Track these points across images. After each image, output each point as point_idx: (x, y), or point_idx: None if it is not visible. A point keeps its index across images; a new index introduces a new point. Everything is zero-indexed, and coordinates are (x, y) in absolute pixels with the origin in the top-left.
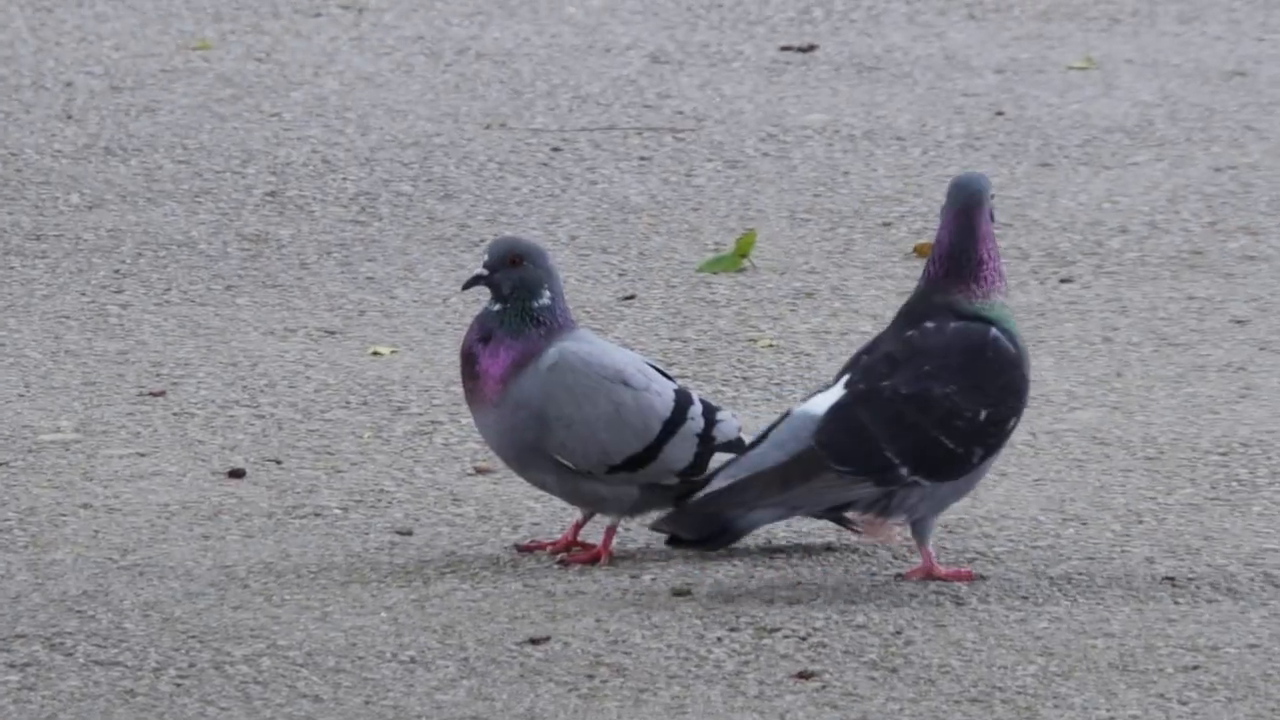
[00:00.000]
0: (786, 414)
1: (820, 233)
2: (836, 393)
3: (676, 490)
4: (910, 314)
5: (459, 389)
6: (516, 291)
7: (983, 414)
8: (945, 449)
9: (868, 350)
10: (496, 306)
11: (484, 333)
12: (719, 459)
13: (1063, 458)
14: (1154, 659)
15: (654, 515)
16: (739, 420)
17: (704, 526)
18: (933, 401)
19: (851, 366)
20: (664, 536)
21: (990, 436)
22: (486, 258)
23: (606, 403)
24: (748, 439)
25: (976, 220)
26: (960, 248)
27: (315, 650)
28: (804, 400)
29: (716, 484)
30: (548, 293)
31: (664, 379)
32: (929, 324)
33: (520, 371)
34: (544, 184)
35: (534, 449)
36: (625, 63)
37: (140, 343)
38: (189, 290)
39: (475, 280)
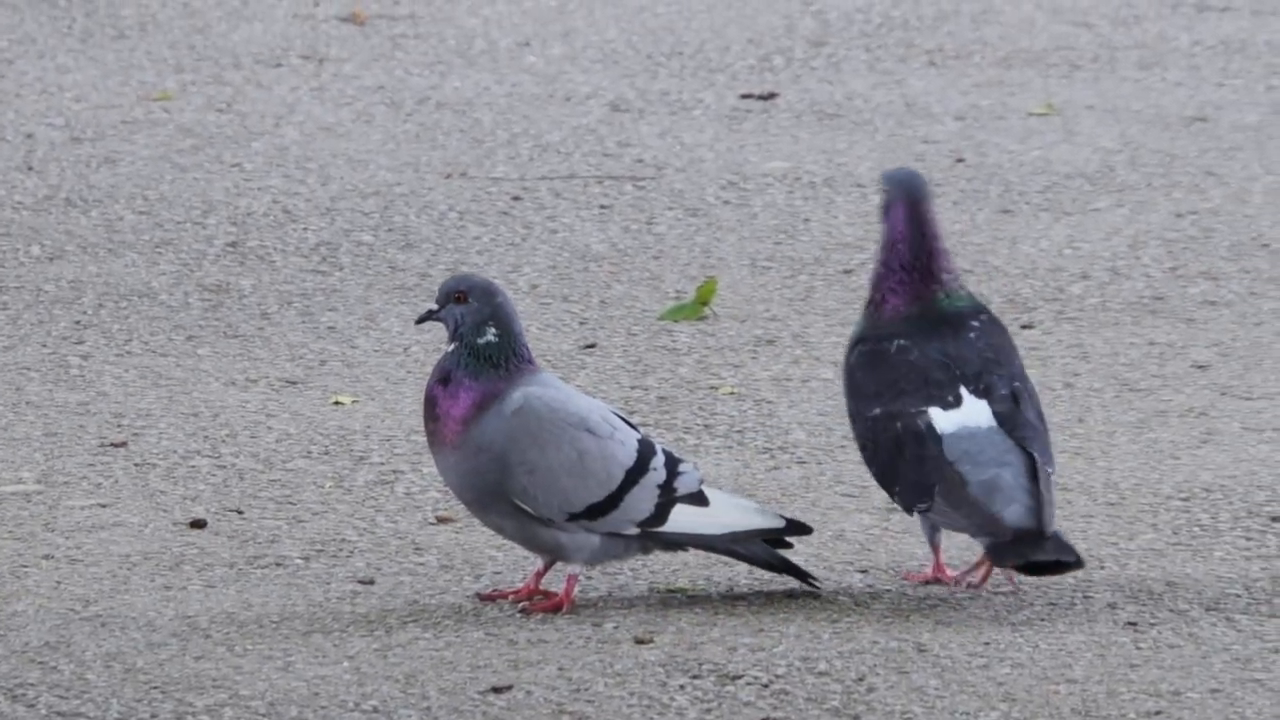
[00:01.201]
0: (927, 435)
1: (781, 280)
2: (980, 404)
3: (637, 540)
4: (936, 317)
5: (420, 438)
6: (460, 328)
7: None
8: None
9: (948, 361)
10: (450, 346)
11: (443, 374)
12: (679, 511)
13: None
14: (1116, 704)
15: (614, 564)
16: (701, 473)
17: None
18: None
19: (951, 378)
20: (1012, 564)
21: None
22: (437, 294)
23: (570, 449)
24: (708, 491)
25: (930, 210)
26: (929, 239)
27: (278, 700)
28: (938, 418)
29: (1048, 508)
30: (492, 330)
31: (628, 427)
32: (974, 321)
33: (482, 414)
34: (505, 232)
35: (494, 493)
36: (585, 111)
37: (101, 393)
38: (150, 341)
39: (426, 316)
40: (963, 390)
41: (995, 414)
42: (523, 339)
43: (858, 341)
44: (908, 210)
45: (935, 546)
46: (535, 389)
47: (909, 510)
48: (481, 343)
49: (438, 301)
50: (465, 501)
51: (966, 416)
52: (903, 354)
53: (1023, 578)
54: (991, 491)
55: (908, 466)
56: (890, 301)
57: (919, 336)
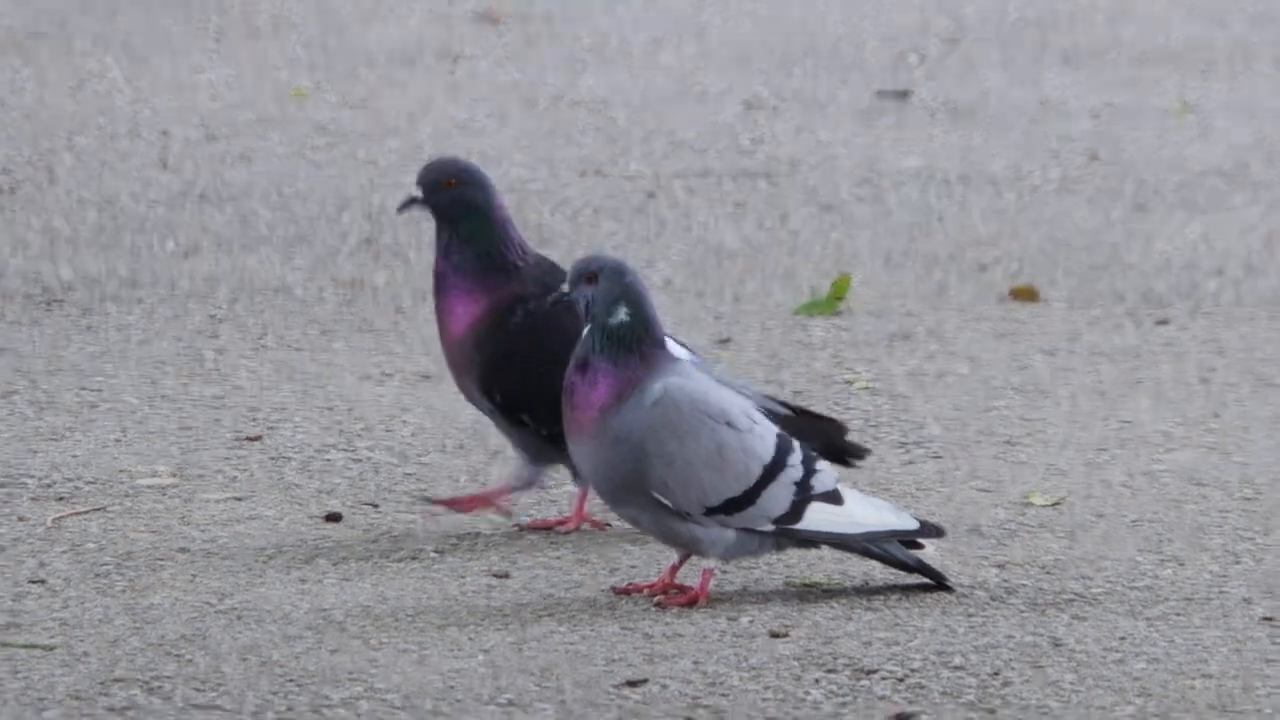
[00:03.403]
0: None
1: (916, 276)
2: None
3: (771, 537)
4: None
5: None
6: (592, 309)
7: None
8: None
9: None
10: (586, 330)
11: (580, 362)
12: (814, 509)
13: (1160, 499)
14: (1252, 700)
15: (748, 559)
16: (836, 473)
17: None
18: None
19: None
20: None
21: None
22: (568, 275)
23: (709, 442)
24: (844, 489)
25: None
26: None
27: (413, 693)
28: None
29: None
30: (624, 309)
31: (768, 422)
32: None
33: (621, 403)
34: (639, 229)
35: (631, 484)
36: (720, 108)
37: (236, 387)
38: (285, 335)
39: (557, 299)
40: None
41: None
42: (656, 320)
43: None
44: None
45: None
46: (675, 379)
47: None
48: (614, 323)
49: (569, 284)
50: (601, 492)
51: None
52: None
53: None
54: None
55: None
56: None
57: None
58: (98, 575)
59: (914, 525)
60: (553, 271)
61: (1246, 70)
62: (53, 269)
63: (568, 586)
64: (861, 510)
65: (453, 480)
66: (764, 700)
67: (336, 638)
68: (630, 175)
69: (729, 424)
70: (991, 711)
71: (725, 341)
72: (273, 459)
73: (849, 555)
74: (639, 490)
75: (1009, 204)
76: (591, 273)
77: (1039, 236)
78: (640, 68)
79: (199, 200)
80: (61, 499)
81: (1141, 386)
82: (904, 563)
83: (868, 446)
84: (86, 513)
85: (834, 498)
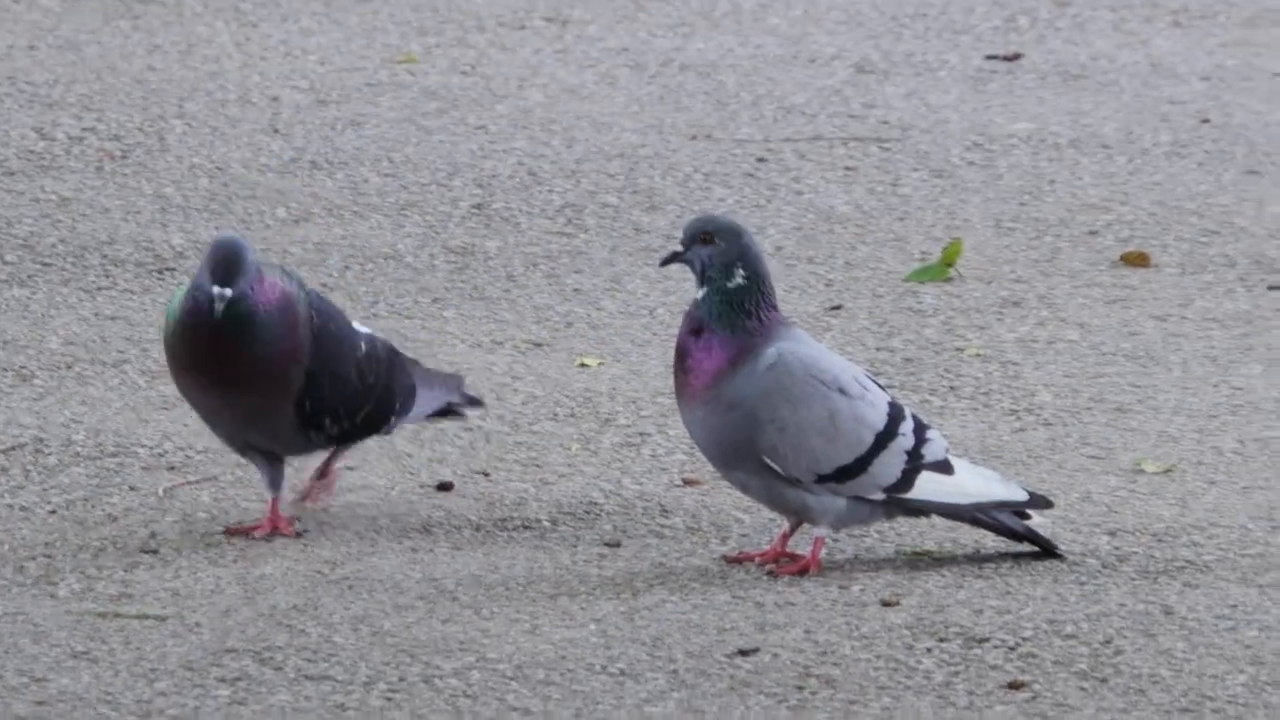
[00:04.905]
0: None
1: (1026, 241)
2: None
3: (881, 506)
4: None
5: (666, 400)
6: (708, 270)
7: None
8: None
9: None
10: (700, 292)
11: (695, 325)
12: (925, 478)
13: (1271, 465)
14: None
15: (858, 528)
16: (946, 441)
17: None
18: None
19: None
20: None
21: None
22: (682, 235)
23: (822, 408)
24: (954, 459)
25: None
26: None
27: (525, 663)
28: None
29: None
30: (740, 272)
31: (879, 390)
32: None
33: (735, 369)
34: (749, 194)
35: (742, 450)
36: (830, 73)
37: None
38: (396, 303)
39: (671, 257)
40: None
41: None
42: (770, 283)
43: None
44: None
45: None
46: (789, 344)
47: None
48: (731, 286)
49: (683, 243)
50: (710, 457)
51: None
52: None
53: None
54: None
55: None
56: None
57: None
58: (209, 545)
59: (1023, 496)
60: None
61: None
62: (164, 236)
63: (679, 556)
64: (971, 480)
65: (563, 449)
66: (875, 669)
67: (448, 607)
68: (740, 140)
69: (842, 390)
70: (1103, 680)
71: (836, 308)
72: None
73: (959, 524)
74: (750, 456)
75: (1119, 168)
76: (707, 233)
77: (1150, 201)
78: (750, 31)
79: (309, 167)
80: (173, 468)
81: (1253, 352)
82: (1014, 531)
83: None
84: (198, 482)
85: (944, 467)
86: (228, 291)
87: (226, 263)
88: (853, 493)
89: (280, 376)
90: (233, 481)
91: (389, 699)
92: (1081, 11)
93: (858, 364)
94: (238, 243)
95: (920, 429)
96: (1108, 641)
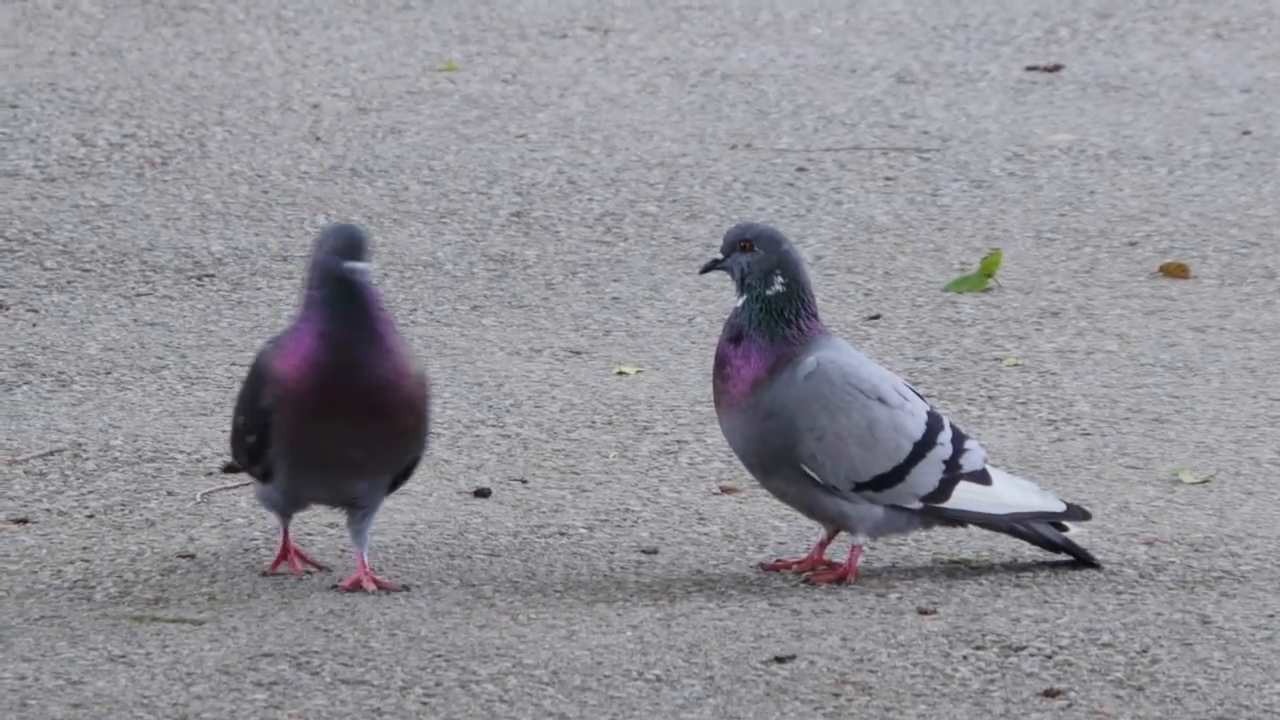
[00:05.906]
0: None
1: (1066, 252)
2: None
3: (919, 515)
4: None
5: (704, 408)
6: (747, 278)
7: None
8: None
9: None
10: (740, 300)
11: (735, 332)
12: (962, 488)
13: None
14: None
15: (895, 536)
16: (984, 451)
17: None
18: None
19: None
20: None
21: None
22: (721, 243)
23: (860, 417)
24: (991, 470)
25: None
26: None
27: (561, 669)
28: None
29: None
30: (780, 279)
31: (918, 399)
32: None
33: (774, 378)
34: (789, 204)
35: (780, 457)
36: (870, 83)
37: None
38: (435, 310)
39: (711, 265)
40: None
41: None
42: (810, 290)
43: None
44: None
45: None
46: (829, 353)
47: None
48: (770, 293)
49: (723, 251)
50: (748, 464)
51: None
52: None
53: None
54: None
55: None
56: None
57: None
58: (246, 550)
59: (1060, 508)
60: None
61: None
62: (204, 243)
63: (716, 563)
64: (1009, 491)
65: (601, 456)
66: (912, 677)
67: (485, 613)
68: (780, 149)
69: (880, 400)
70: (1139, 689)
71: (875, 318)
72: None
73: (996, 533)
74: (788, 464)
75: (1159, 179)
76: (747, 241)
77: (1189, 213)
78: (791, 41)
79: (350, 174)
80: (210, 474)
81: None
82: (1051, 542)
83: None
84: (235, 488)
85: (982, 477)
86: (360, 265)
87: (352, 241)
88: (890, 501)
89: (424, 418)
90: None
91: (425, 704)
92: (1122, 23)
93: (896, 373)
94: (356, 226)
95: (958, 439)
96: (1144, 650)
